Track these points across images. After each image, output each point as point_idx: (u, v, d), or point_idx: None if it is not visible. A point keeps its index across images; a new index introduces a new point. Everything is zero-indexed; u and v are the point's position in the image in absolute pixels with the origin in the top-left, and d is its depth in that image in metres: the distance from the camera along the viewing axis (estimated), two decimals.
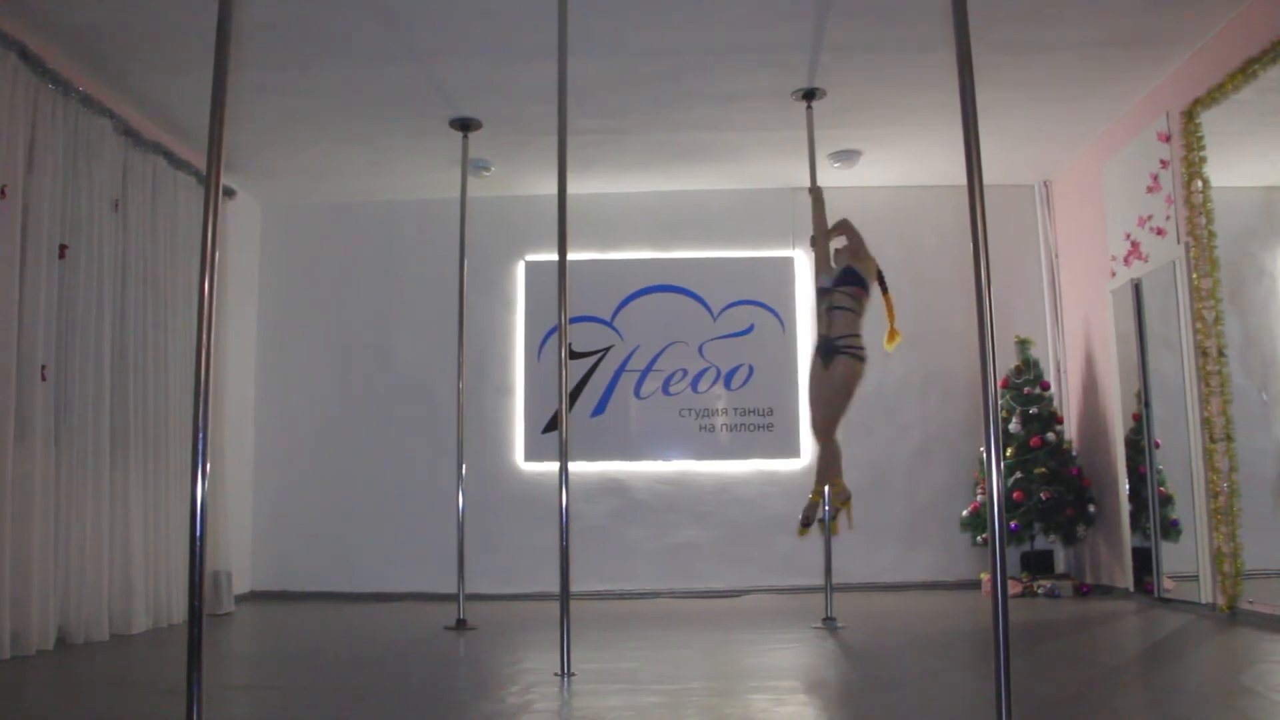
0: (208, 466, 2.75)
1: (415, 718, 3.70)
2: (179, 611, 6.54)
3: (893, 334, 5.96)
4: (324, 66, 6.13)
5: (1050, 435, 7.52)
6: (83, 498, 5.76)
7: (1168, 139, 6.35)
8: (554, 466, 5.93)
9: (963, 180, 3.05)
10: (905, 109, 6.90)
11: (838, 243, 6.06)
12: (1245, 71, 5.45)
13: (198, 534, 2.71)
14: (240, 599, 7.65)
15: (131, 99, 6.43)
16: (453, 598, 6.52)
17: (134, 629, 6.06)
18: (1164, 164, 6.41)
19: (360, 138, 7.31)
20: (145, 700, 4.24)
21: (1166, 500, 6.61)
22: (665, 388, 8.41)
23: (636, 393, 8.40)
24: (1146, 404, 6.77)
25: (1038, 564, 7.59)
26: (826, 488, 5.91)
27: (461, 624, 6.27)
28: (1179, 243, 6.19)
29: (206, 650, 2.65)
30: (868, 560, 8.03)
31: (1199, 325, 5.95)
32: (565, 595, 4.59)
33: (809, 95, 6.51)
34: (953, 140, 3.55)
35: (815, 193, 6.29)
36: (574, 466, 5.26)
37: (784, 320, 8.32)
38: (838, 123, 7.00)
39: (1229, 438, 5.74)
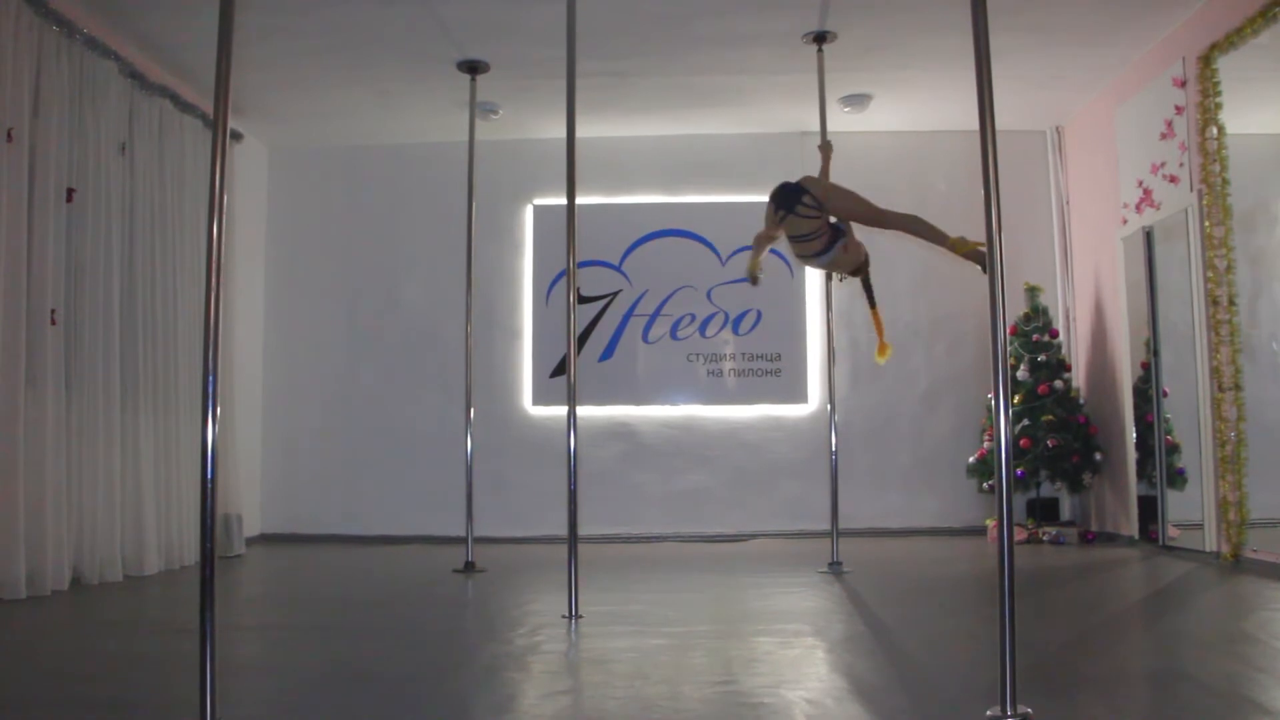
0: (218, 410, 2.76)
1: (424, 659, 3.74)
2: (190, 553, 6.61)
3: (883, 348, 5.54)
4: (331, 8, 6.06)
5: (1058, 383, 7.52)
6: (94, 441, 5.80)
7: (1183, 84, 6.27)
8: (562, 410, 5.93)
9: (974, 125, 3.01)
10: (917, 53, 6.81)
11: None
12: (1265, 15, 5.35)
13: (209, 477, 2.73)
14: (250, 542, 7.72)
15: (136, 40, 6.37)
16: (461, 541, 6.58)
17: (146, 570, 6.13)
18: (1179, 110, 6.33)
19: (368, 81, 7.25)
20: (158, 639, 4.30)
21: (1173, 449, 6.62)
22: (673, 332, 8.40)
23: (644, 337, 8.40)
24: (1155, 352, 6.75)
25: (1043, 511, 7.62)
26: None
27: (470, 567, 6.32)
28: (1192, 190, 6.14)
29: (218, 591, 2.68)
30: (873, 505, 8.06)
31: (1210, 274, 5.91)
32: (573, 538, 4.63)
33: (820, 38, 6.43)
34: (965, 85, 3.51)
35: (825, 147, 6.18)
36: (582, 411, 5.28)
37: (792, 266, 8.24)
38: (849, 66, 6.92)
39: (1237, 386, 5.73)
